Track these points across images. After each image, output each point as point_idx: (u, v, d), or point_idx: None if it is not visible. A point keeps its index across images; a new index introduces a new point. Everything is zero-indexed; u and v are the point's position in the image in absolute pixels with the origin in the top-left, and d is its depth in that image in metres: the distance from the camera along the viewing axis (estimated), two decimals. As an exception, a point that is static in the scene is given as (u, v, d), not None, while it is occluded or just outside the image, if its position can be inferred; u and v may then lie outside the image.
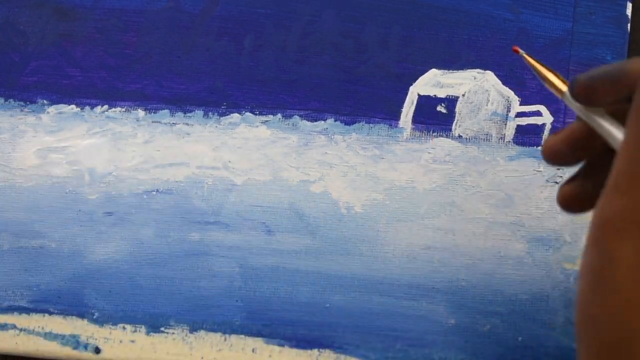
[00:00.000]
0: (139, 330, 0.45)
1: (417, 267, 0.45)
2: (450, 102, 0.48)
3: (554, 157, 0.36)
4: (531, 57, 0.39)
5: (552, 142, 0.37)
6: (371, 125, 0.48)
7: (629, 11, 0.49)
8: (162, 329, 0.45)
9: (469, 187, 0.46)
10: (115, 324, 0.45)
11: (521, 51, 0.40)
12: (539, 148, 0.46)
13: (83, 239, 0.47)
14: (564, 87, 0.37)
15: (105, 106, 0.49)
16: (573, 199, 0.36)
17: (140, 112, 0.49)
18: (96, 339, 0.45)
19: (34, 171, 0.48)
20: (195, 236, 0.46)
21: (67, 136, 0.49)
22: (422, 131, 0.48)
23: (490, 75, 0.48)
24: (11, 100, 0.49)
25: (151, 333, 0.45)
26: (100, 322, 0.45)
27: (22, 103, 0.50)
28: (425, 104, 0.48)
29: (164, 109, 0.49)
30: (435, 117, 0.48)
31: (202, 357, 0.44)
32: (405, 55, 0.49)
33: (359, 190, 0.47)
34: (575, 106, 0.35)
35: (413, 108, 0.48)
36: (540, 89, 0.48)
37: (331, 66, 0.49)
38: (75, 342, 0.45)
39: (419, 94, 0.48)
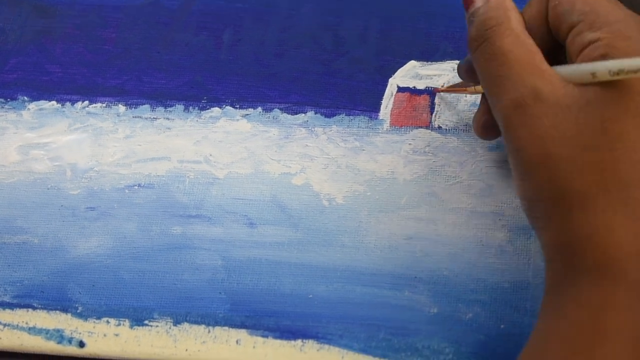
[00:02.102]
0: (123, 324, 0.45)
1: (399, 257, 0.45)
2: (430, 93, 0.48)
3: (487, 133, 0.43)
4: (443, 88, 0.44)
5: (479, 117, 0.43)
6: (351, 117, 0.48)
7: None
8: (146, 322, 0.45)
9: (450, 178, 0.46)
10: (99, 317, 0.45)
11: (437, 90, 0.48)
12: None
13: (66, 234, 0.47)
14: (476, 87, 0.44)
15: (86, 102, 0.49)
16: (488, 127, 0.42)
17: (121, 108, 0.49)
18: (80, 333, 0.45)
19: (15, 167, 0.48)
20: (178, 230, 0.46)
21: (48, 132, 0.49)
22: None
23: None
24: (-8, 97, 0.50)
25: (135, 326, 0.45)
26: (84, 316, 0.45)
27: (2, 100, 0.50)
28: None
29: (144, 104, 0.49)
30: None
31: (186, 349, 0.44)
32: (384, 47, 0.49)
33: (340, 182, 0.47)
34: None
35: (392, 100, 0.48)
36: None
37: (310, 59, 0.50)
38: (59, 336, 0.45)
39: (398, 86, 0.49)
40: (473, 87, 0.44)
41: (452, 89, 0.47)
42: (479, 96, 0.47)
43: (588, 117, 0.33)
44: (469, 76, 0.44)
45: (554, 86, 0.34)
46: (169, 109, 0.49)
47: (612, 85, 0.33)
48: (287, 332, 0.44)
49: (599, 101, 0.33)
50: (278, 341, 0.44)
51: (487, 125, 0.42)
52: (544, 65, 0.35)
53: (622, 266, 0.32)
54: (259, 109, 0.49)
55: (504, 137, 0.37)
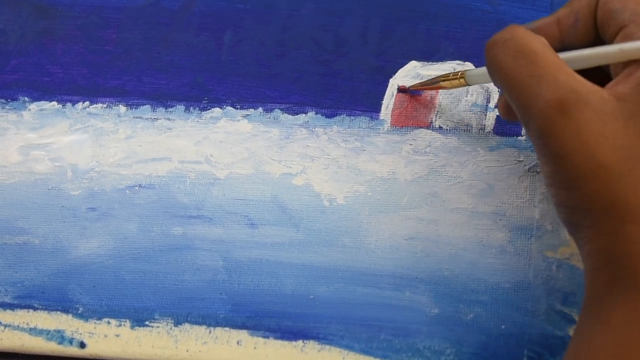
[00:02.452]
0: (124, 325, 0.45)
1: (400, 257, 0.45)
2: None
3: (509, 116, 0.41)
4: (414, 86, 0.44)
5: (503, 102, 0.41)
6: (352, 117, 0.48)
7: (605, 1, 0.49)
8: (147, 322, 0.45)
9: (450, 178, 0.46)
10: (99, 318, 0.45)
11: (407, 88, 0.48)
12: (520, 138, 0.47)
13: (66, 234, 0.47)
14: (461, 78, 0.43)
15: (87, 102, 0.49)
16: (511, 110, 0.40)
17: (122, 108, 0.49)
18: (81, 334, 0.45)
19: (16, 168, 0.48)
20: (179, 230, 0.46)
21: (49, 133, 0.49)
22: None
23: (469, 67, 0.49)
24: (-8, 98, 0.50)
25: (136, 327, 0.45)
26: (84, 316, 0.45)
27: (3, 101, 0.50)
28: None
29: (145, 105, 0.49)
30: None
31: (187, 350, 0.44)
32: (385, 48, 0.50)
33: (341, 183, 0.47)
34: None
35: (393, 100, 0.48)
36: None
37: (311, 60, 0.50)
38: (60, 337, 0.45)
39: (398, 86, 0.49)
40: (449, 82, 0.44)
41: (426, 86, 0.47)
42: (481, 97, 0.47)
43: (637, 128, 0.32)
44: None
45: (591, 90, 0.33)
46: (169, 109, 0.49)
47: None
48: (288, 332, 0.44)
49: None
50: (279, 342, 0.44)
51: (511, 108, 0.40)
52: (567, 66, 0.34)
53: None
54: (260, 109, 0.49)
55: (538, 142, 0.35)
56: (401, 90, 0.48)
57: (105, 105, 0.49)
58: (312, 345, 0.44)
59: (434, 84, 0.46)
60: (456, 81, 0.44)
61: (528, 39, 0.35)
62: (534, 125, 0.34)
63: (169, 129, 0.49)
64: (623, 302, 0.33)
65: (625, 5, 0.34)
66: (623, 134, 0.32)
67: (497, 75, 0.36)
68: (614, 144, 0.32)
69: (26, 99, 0.50)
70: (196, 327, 0.45)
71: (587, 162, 0.33)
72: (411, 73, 0.49)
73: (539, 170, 0.46)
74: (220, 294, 0.45)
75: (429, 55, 0.49)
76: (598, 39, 0.37)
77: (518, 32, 0.35)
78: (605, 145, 0.32)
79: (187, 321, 0.45)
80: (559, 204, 0.36)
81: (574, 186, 0.34)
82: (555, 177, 0.35)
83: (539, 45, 0.35)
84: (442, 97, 0.48)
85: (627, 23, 0.34)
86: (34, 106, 0.50)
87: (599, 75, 0.36)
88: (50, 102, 0.50)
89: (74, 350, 0.45)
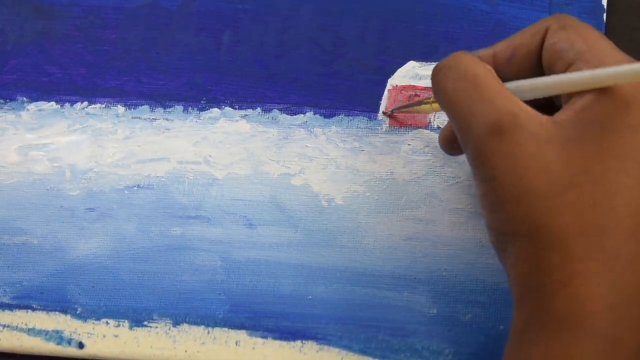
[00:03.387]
0: (122, 325, 0.45)
1: (399, 257, 0.45)
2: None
3: (449, 149, 0.43)
4: (398, 109, 0.44)
5: (443, 135, 0.42)
6: (350, 117, 0.48)
7: (604, 1, 0.49)
8: (145, 323, 0.45)
9: (449, 178, 0.47)
10: (98, 318, 0.45)
11: (388, 113, 0.48)
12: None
13: (65, 235, 0.47)
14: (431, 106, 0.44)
15: (85, 103, 0.49)
16: (451, 142, 0.41)
17: (120, 108, 0.49)
18: (80, 334, 0.45)
19: (15, 168, 0.48)
20: (177, 230, 0.46)
21: (47, 133, 0.49)
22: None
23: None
24: (-9, 98, 0.50)
25: (134, 327, 0.45)
26: (83, 317, 0.45)
27: (1, 101, 0.50)
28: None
29: (143, 105, 0.49)
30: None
31: (185, 350, 0.44)
32: (383, 48, 0.50)
33: (340, 183, 0.47)
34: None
35: (389, 100, 0.48)
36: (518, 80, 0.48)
37: (310, 60, 0.50)
38: (58, 337, 0.45)
39: (397, 86, 0.49)
40: (429, 105, 0.44)
41: (407, 109, 0.47)
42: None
43: (570, 154, 0.32)
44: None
45: (529, 114, 0.33)
46: (168, 109, 0.49)
47: (593, 125, 0.32)
48: (287, 333, 0.44)
49: (580, 139, 0.32)
50: (277, 342, 0.44)
51: (452, 139, 0.41)
52: (509, 92, 0.35)
53: (595, 320, 0.31)
54: (258, 109, 0.49)
55: (473, 166, 0.35)
56: (385, 114, 0.48)
57: (103, 106, 0.49)
58: (310, 346, 0.44)
59: (413, 106, 0.45)
60: (436, 105, 0.43)
61: (472, 65, 0.35)
62: (470, 147, 0.34)
63: (168, 129, 0.49)
64: (542, 337, 0.33)
65: (572, 45, 0.34)
66: (555, 158, 0.32)
67: (441, 99, 0.37)
68: (545, 168, 0.32)
69: (25, 99, 0.50)
70: (195, 327, 0.45)
71: (514, 185, 0.33)
72: (410, 73, 0.49)
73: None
74: (219, 294, 0.45)
75: (427, 56, 0.49)
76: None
77: (463, 58, 0.36)
78: (535, 169, 0.32)
79: (186, 321, 0.45)
80: (488, 227, 0.35)
81: (501, 209, 0.34)
82: (485, 200, 0.35)
83: (482, 70, 0.35)
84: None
85: (574, 61, 0.34)
86: (32, 106, 0.50)
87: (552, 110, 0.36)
88: (49, 102, 0.50)
89: (72, 351, 0.45)
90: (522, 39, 0.37)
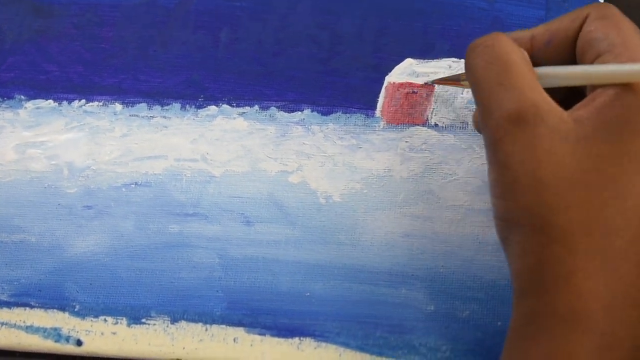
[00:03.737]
0: (120, 322, 0.45)
1: (396, 254, 0.45)
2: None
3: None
4: (438, 81, 0.45)
5: (476, 114, 0.42)
6: (348, 115, 0.48)
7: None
8: (143, 320, 0.45)
9: (446, 175, 0.47)
10: (96, 316, 0.45)
11: (429, 83, 0.48)
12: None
13: (63, 232, 0.47)
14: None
15: (83, 101, 0.49)
16: None
17: (118, 106, 0.49)
18: (78, 332, 0.45)
19: (12, 166, 0.48)
20: (175, 228, 0.47)
21: (45, 131, 0.49)
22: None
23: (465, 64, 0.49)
24: (-12, 96, 0.50)
25: (132, 325, 0.45)
26: (81, 314, 0.45)
27: (-1, 99, 0.50)
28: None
29: (141, 103, 0.49)
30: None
31: (183, 348, 0.44)
32: (381, 45, 0.50)
33: (337, 180, 0.47)
34: None
35: (388, 97, 0.48)
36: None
37: (307, 58, 0.50)
38: (56, 335, 0.45)
39: (394, 84, 0.49)
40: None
41: (446, 80, 0.47)
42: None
43: (585, 152, 0.32)
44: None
45: (551, 108, 0.33)
46: (165, 107, 0.49)
47: (612, 124, 0.32)
48: (285, 330, 0.44)
49: (597, 138, 0.32)
50: (275, 339, 0.44)
51: None
52: (538, 84, 0.34)
53: (595, 317, 0.31)
54: (256, 107, 0.49)
55: (488, 149, 0.35)
56: (426, 84, 0.48)
57: (101, 104, 0.49)
58: (308, 343, 0.44)
59: (452, 80, 0.45)
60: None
61: (507, 48, 0.35)
62: (488, 130, 0.34)
63: (165, 127, 0.49)
64: (542, 332, 0.33)
65: (606, 35, 0.34)
66: (571, 154, 0.32)
67: (470, 77, 0.37)
68: (559, 163, 0.32)
69: (22, 97, 0.50)
70: (192, 324, 0.45)
71: (527, 175, 0.33)
72: (407, 70, 0.49)
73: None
74: (217, 291, 0.45)
75: (424, 53, 0.49)
76: (568, 64, 0.37)
77: (500, 41, 0.36)
78: (549, 162, 0.32)
79: (184, 319, 0.45)
80: (495, 216, 0.36)
81: (509, 197, 0.34)
82: (496, 186, 0.35)
83: (516, 56, 0.35)
84: (438, 94, 0.48)
85: (603, 52, 0.34)
86: (30, 104, 0.50)
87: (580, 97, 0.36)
88: (47, 100, 0.50)
89: (70, 348, 0.45)
90: (560, 24, 0.37)
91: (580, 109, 0.33)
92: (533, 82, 0.34)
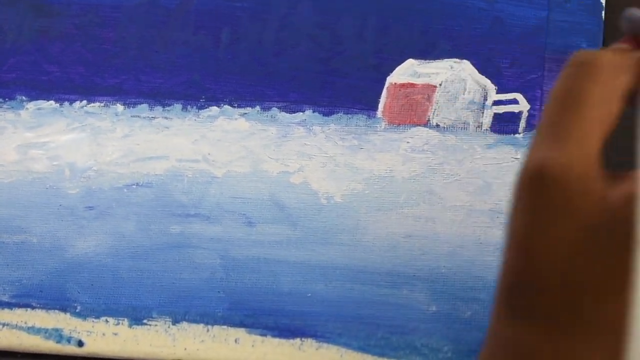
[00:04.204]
0: (122, 323, 0.45)
1: (398, 255, 0.45)
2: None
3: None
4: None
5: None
6: (349, 115, 0.48)
7: (603, -1, 0.49)
8: (145, 321, 0.45)
9: (448, 176, 0.47)
10: (97, 317, 0.45)
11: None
12: (517, 136, 0.47)
13: (64, 233, 0.47)
14: None
15: (84, 101, 0.49)
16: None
17: (119, 107, 0.49)
18: (79, 332, 0.45)
19: (14, 167, 0.48)
20: (177, 228, 0.47)
21: (46, 132, 0.49)
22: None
23: (466, 65, 0.49)
24: (-10, 97, 0.50)
25: (134, 325, 0.45)
26: (82, 315, 0.45)
27: (0, 100, 0.50)
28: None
29: (142, 103, 0.49)
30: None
31: (185, 348, 0.44)
32: (382, 45, 0.50)
33: (339, 181, 0.47)
34: None
35: (389, 98, 0.48)
36: (517, 77, 0.48)
37: (308, 58, 0.50)
38: (58, 335, 0.45)
39: (396, 84, 0.49)
40: None
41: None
42: (478, 94, 0.47)
43: (590, 250, 0.27)
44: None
45: (580, 170, 0.27)
46: (167, 108, 0.49)
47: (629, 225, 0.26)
48: (286, 330, 0.44)
49: (609, 240, 0.27)
50: (277, 340, 0.44)
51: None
52: (599, 138, 0.28)
53: None
54: (257, 107, 0.49)
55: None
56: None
57: (102, 104, 0.49)
58: (309, 343, 0.44)
59: None
60: None
61: (607, 78, 0.29)
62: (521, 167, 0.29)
63: (167, 127, 0.49)
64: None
65: None
66: (568, 243, 0.27)
67: (553, 87, 0.30)
68: (553, 246, 0.27)
69: (24, 97, 0.50)
70: (194, 325, 0.45)
71: (522, 239, 0.29)
72: (408, 71, 0.49)
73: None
74: (218, 292, 0.45)
75: (425, 53, 0.49)
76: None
77: (605, 69, 0.29)
78: (545, 240, 0.28)
79: (185, 319, 0.45)
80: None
81: (508, 245, 0.30)
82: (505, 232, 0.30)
83: (604, 95, 0.29)
84: (439, 94, 0.48)
85: None
86: (31, 105, 0.50)
87: None
88: (48, 101, 0.50)
89: (72, 349, 0.45)
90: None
91: (617, 190, 0.27)
92: (593, 136, 0.28)
